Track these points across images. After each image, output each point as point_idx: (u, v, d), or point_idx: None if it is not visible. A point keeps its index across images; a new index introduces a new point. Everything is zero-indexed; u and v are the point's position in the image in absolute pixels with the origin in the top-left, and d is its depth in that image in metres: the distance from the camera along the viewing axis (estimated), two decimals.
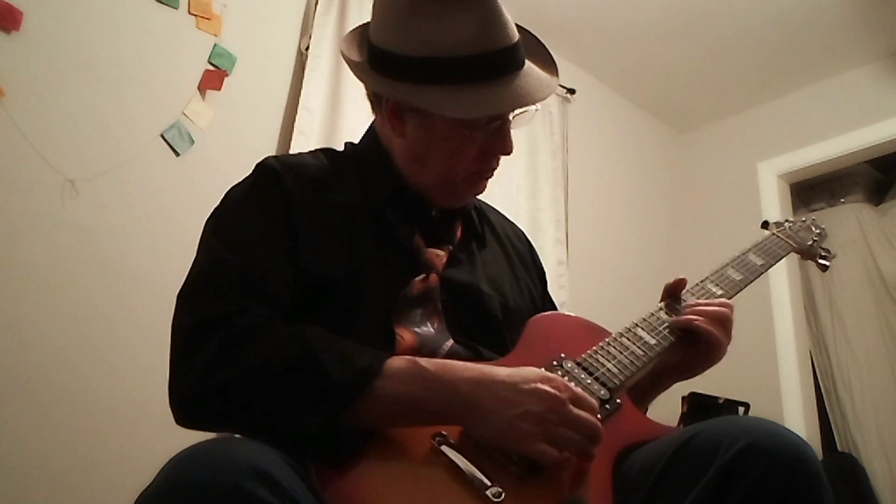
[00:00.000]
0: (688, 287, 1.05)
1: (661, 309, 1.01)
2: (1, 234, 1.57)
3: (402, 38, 0.90)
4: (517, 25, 0.95)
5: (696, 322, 0.95)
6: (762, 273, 1.13)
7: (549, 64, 1.00)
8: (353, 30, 1.03)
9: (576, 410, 0.74)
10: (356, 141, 1.07)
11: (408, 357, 0.77)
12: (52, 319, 1.60)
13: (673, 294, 1.03)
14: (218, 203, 0.94)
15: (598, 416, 0.77)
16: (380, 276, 0.90)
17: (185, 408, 0.76)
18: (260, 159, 0.98)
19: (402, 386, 0.74)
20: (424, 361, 0.76)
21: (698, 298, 1.02)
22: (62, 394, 1.57)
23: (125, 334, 1.69)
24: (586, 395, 0.77)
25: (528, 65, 0.95)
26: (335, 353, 0.74)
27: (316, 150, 1.05)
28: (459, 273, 0.97)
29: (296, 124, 2.04)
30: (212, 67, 1.99)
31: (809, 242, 1.30)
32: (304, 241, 0.88)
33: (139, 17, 1.88)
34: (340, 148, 1.09)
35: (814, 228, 1.33)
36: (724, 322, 0.97)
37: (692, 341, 0.96)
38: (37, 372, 1.55)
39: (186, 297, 0.83)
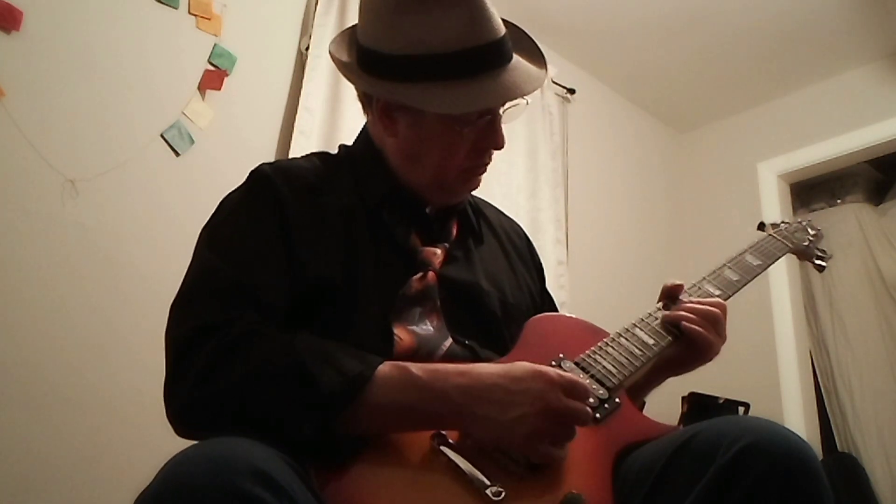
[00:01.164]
0: (685, 288, 1.05)
1: (659, 310, 1.01)
2: (1, 234, 1.57)
3: (389, 38, 0.90)
4: (504, 20, 0.95)
5: (686, 321, 0.96)
6: (759, 273, 1.14)
7: (536, 56, 0.99)
8: (342, 31, 1.03)
9: (569, 402, 0.74)
10: None
11: (399, 364, 0.76)
12: (52, 319, 1.60)
13: (670, 296, 1.03)
14: (213, 211, 0.94)
15: (591, 393, 0.78)
16: (377, 277, 0.90)
17: (180, 418, 0.77)
18: (260, 159, 0.98)
19: (393, 394, 0.74)
20: (415, 368, 0.76)
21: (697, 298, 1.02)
22: (62, 394, 1.57)
23: (125, 334, 1.69)
24: (576, 378, 0.77)
25: (516, 58, 0.95)
26: (325, 361, 0.74)
27: (310, 153, 1.05)
28: (457, 270, 0.97)
29: (296, 124, 2.04)
30: (212, 67, 1.99)
31: (806, 243, 1.30)
32: (300, 245, 0.88)
33: (139, 17, 1.88)
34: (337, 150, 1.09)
35: (810, 230, 1.33)
36: (714, 322, 0.97)
37: (685, 338, 0.97)
38: (37, 372, 1.55)
39: (179, 307, 0.83)
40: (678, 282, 1.04)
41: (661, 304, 1.03)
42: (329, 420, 0.72)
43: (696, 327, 0.95)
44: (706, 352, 0.97)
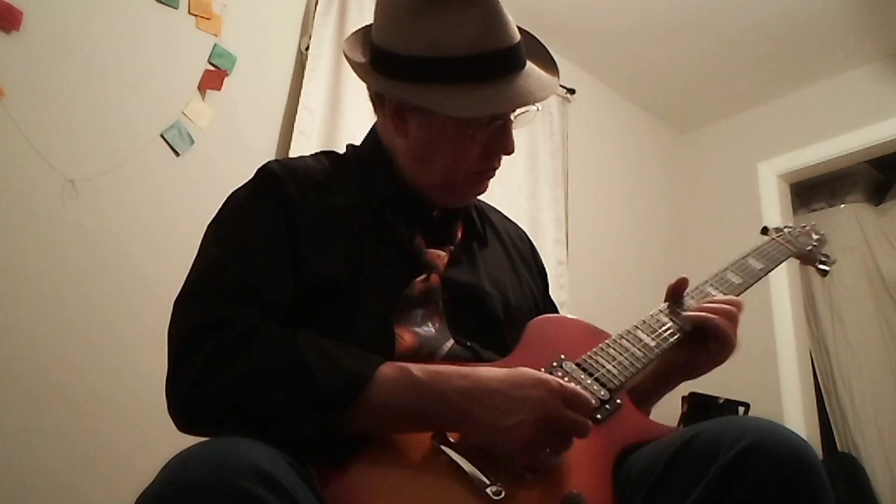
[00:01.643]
0: (688, 290, 1.05)
1: (661, 311, 1.01)
2: (1, 234, 1.57)
3: (405, 39, 0.90)
4: (518, 27, 0.95)
5: (714, 320, 0.95)
6: (762, 277, 1.13)
7: (549, 64, 1.00)
8: (356, 31, 1.03)
9: (569, 413, 0.74)
10: (356, 141, 1.08)
11: (400, 364, 0.76)
12: (52, 319, 1.60)
13: (676, 293, 1.03)
14: (219, 207, 0.94)
15: (593, 406, 0.78)
16: (380, 278, 0.90)
17: (182, 413, 0.77)
18: (260, 159, 0.98)
19: (393, 394, 0.74)
20: (416, 369, 0.76)
21: (699, 301, 1.02)
22: (62, 394, 1.57)
23: (125, 334, 1.69)
24: (579, 390, 0.77)
25: (530, 65, 0.95)
26: (327, 360, 0.74)
27: (318, 152, 1.05)
28: (460, 273, 0.97)
29: (296, 124, 2.04)
30: (212, 67, 1.99)
31: (809, 248, 1.30)
32: (305, 244, 0.88)
33: (139, 17, 1.88)
34: (341, 148, 1.09)
35: (814, 234, 1.33)
36: (734, 319, 0.97)
37: (700, 340, 0.96)
38: (37, 372, 1.55)
39: (182, 303, 0.83)
40: (682, 276, 1.04)
41: (664, 306, 1.02)
42: (329, 419, 0.72)
43: (724, 327, 0.94)
44: (727, 352, 0.96)
